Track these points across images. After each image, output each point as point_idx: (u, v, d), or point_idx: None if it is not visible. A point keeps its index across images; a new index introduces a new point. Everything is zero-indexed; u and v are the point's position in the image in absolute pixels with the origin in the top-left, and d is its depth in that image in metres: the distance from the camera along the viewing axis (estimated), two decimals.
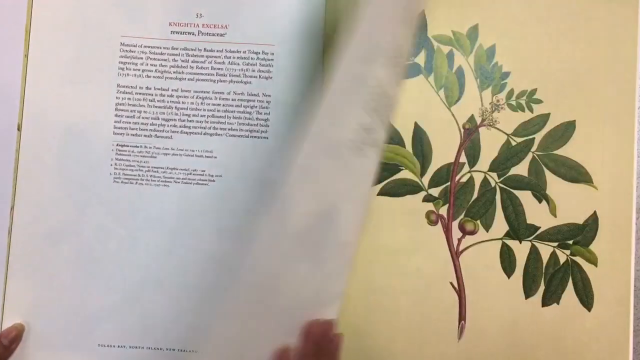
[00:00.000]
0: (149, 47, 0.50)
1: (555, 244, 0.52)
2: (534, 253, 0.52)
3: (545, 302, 0.52)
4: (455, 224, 0.52)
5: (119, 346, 0.50)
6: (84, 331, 0.50)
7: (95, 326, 0.50)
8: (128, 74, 0.50)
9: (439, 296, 0.52)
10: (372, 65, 0.41)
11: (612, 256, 0.52)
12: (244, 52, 0.50)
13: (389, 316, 0.51)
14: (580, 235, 0.52)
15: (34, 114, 0.50)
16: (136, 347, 0.50)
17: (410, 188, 0.52)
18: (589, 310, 0.51)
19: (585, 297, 0.51)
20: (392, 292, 0.52)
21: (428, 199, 0.52)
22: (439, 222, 0.52)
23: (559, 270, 0.52)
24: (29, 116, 0.50)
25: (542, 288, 0.52)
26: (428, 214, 0.52)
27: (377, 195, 0.52)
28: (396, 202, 0.52)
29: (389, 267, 0.52)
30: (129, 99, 0.50)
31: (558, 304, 0.52)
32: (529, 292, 0.52)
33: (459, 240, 0.52)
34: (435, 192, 0.52)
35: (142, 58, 0.50)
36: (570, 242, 0.52)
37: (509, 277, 0.52)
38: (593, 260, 0.52)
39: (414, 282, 0.52)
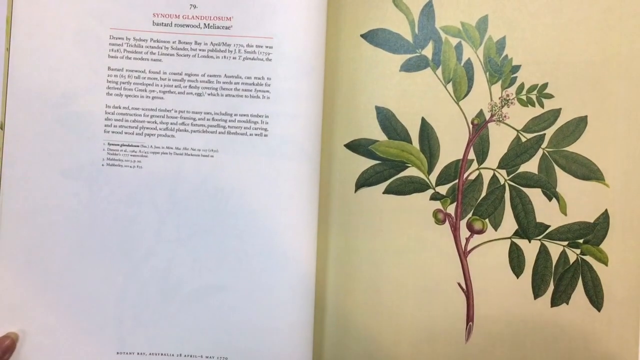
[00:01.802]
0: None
1: (565, 243, 0.51)
2: (543, 252, 0.50)
3: (555, 302, 0.50)
4: (463, 223, 0.51)
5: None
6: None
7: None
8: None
9: (446, 297, 0.50)
10: None
11: (623, 255, 0.50)
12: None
13: (395, 317, 0.50)
14: (591, 234, 0.50)
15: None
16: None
17: (417, 186, 0.51)
18: (599, 310, 0.50)
19: (595, 297, 0.50)
20: (398, 293, 0.50)
21: (435, 197, 0.51)
22: (447, 221, 0.51)
23: (568, 269, 0.50)
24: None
25: (551, 288, 0.50)
26: (435, 213, 0.51)
27: (383, 193, 0.50)
28: (403, 200, 0.51)
29: (396, 268, 0.50)
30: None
31: (567, 304, 0.50)
32: (538, 292, 0.50)
33: (467, 239, 0.51)
34: (442, 190, 0.51)
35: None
36: (581, 241, 0.50)
37: (517, 277, 0.50)
38: (603, 260, 0.50)
39: (421, 283, 0.50)
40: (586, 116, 0.50)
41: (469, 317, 0.50)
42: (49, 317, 0.47)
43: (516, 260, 0.50)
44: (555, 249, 0.51)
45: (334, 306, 0.50)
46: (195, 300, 0.48)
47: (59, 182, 0.48)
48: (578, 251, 0.50)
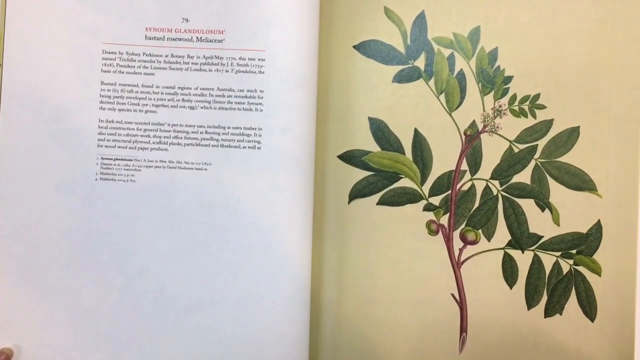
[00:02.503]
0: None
1: (559, 253, 0.51)
2: (536, 263, 0.51)
3: (548, 313, 0.50)
4: (456, 234, 0.51)
5: None
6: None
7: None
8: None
9: (440, 308, 0.50)
10: None
11: (617, 266, 0.50)
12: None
13: (389, 328, 0.50)
14: (584, 244, 0.50)
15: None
16: None
17: (410, 197, 0.51)
18: (592, 321, 0.50)
19: (589, 308, 0.50)
20: (392, 304, 0.50)
21: (428, 207, 0.51)
22: (440, 232, 0.51)
23: (561, 280, 0.51)
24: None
25: (544, 299, 0.51)
26: (429, 224, 0.51)
27: (377, 204, 0.51)
28: (396, 211, 0.51)
29: (390, 278, 0.50)
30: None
31: (561, 314, 0.50)
32: (531, 302, 0.50)
33: (460, 250, 0.51)
34: (435, 200, 0.51)
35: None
36: (574, 251, 0.51)
37: (511, 288, 0.50)
38: (597, 270, 0.50)
39: (415, 294, 0.50)
40: (578, 127, 0.50)
41: (463, 328, 0.50)
42: (44, 332, 0.48)
43: (509, 271, 0.50)
44: (548, 260, 0.51)
45: (329, 317, 0.50)
46: (190, 314, 0.48)
47: (53, 197, 0.48)
48: (571, 262, 0.51)
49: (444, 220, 0.51)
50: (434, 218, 0.51)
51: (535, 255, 0.51)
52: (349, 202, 0.51)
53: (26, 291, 0.48)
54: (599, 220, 0.50)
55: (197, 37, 0.48)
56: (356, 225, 0.51)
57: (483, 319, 0.50)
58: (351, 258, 0.50)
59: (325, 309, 0.50)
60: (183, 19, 0.48)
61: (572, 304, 0.50)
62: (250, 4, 0.48)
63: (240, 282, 0.48)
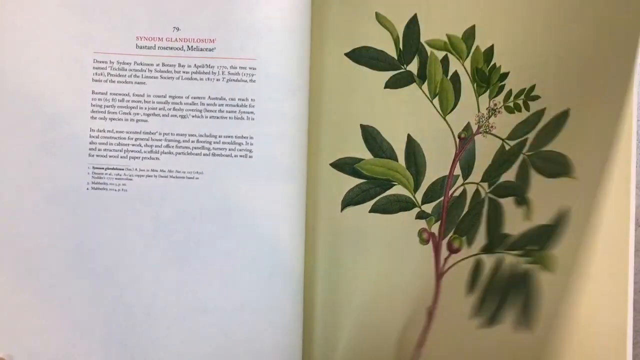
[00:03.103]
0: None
1: (520, 252, 0.48)
2: (499, 266, 0.48)
3: (519, 324, 0.47)
4: (445, 243, 0.50)
5: None
6: None
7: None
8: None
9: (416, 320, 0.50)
10: None
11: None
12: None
13: (385, 337, 0.50)
14: (550, 238, 0.47)
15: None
16: None
17: (403, 204, 0.50)
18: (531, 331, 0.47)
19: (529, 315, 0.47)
20: (387, 313, 0.50)
21: (421, 215, 0.51)
22: (431, 241, 0.50)
23: (511, 283, 0.48)
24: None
25: (510, 308, 0.48)
26: (420, 232, 0.50)
27: (369, 212, 0.50)
28: (389, 219, 0.50)
29: (384, 287, 0.50)
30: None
31: (503, 323, 0.48)
32: (495, 314, 0.48)
33: (445, 259, 0.50)
34: (428, 208, 0.51)
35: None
36: (537, 247, 0.47)
37: (469, 296, 0.49)
38: (551, 268, 0.46)
39: (408, 304, 0.50)
40: (568, 109, 0.47)
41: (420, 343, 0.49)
42: (35, 341, 0.48)
43: (473, 278, 0.49)
44: (511, 261, 0.48)
45: (322, 326, 0.50)
46: (182, 323, 0.48)
47: (44, 207, 0.48)
48: (530, 259, 0.47)
49: (436, 228, 0.50)
50: (425, 226, 0.50)
51: (500, 258, 0.48)
52: (341, 210, 0.51)
53: (17, 300, 0.48)
54: (569, 208, 0.46)
55: (188, 46, 0.48)
56: (349, 233, 0.50)
57: (443, 333, 0.49)
58: (345, 267, 0.50)
59: (318, 317, 0.50)
60: (174, 27, 0.48)
61: (516, 310, 0.47)
62: (242, 12, 0.47)
63: (232, 291, 0.48)
